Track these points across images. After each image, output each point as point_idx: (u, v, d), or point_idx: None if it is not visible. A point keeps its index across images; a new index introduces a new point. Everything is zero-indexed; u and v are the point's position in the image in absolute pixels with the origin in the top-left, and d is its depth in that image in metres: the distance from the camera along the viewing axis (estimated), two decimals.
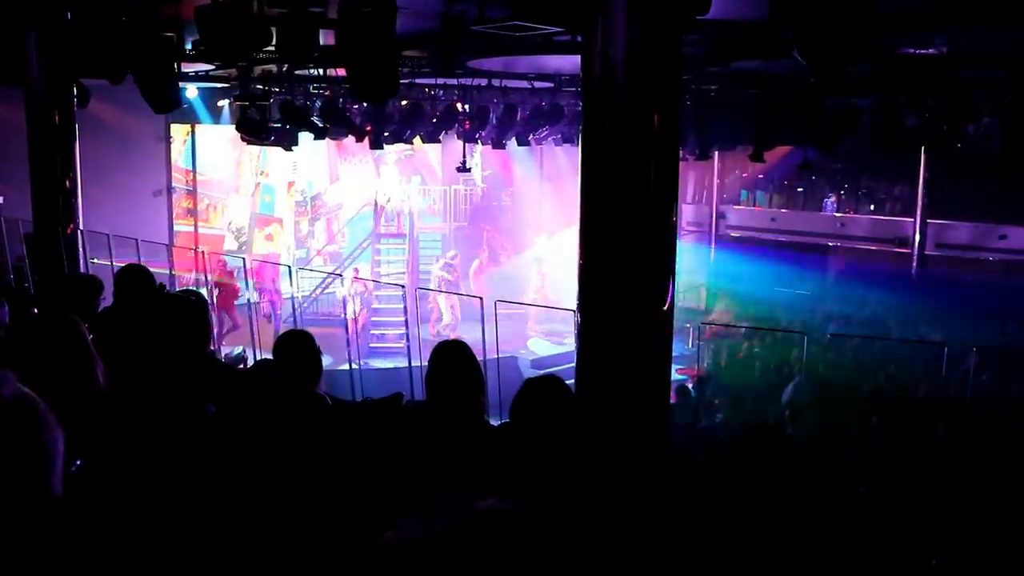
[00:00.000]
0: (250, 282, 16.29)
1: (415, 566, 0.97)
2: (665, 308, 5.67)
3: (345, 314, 15.70)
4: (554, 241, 20.37)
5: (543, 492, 2.52)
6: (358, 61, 6.43)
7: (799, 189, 21.88)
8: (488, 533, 0.99)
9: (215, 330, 9.74)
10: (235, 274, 16.09)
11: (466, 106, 14.72)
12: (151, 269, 5.46)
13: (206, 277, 15.30)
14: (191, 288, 12.60)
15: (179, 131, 17.83)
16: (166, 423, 2.27)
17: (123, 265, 5.16)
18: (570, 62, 10.66)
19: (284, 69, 12.69)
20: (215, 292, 15.66)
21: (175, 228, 17.88)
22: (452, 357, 3.66)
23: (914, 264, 19.35)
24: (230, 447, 2.26)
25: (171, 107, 9.62)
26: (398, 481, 2.97)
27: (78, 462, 2.06)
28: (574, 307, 6.12)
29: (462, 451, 3.30)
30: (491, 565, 0.96)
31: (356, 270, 18.49)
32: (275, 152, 18.04)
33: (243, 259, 16.47)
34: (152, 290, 4.83)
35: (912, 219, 19.41)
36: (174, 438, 2.22)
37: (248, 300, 15.71)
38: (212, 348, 4.49)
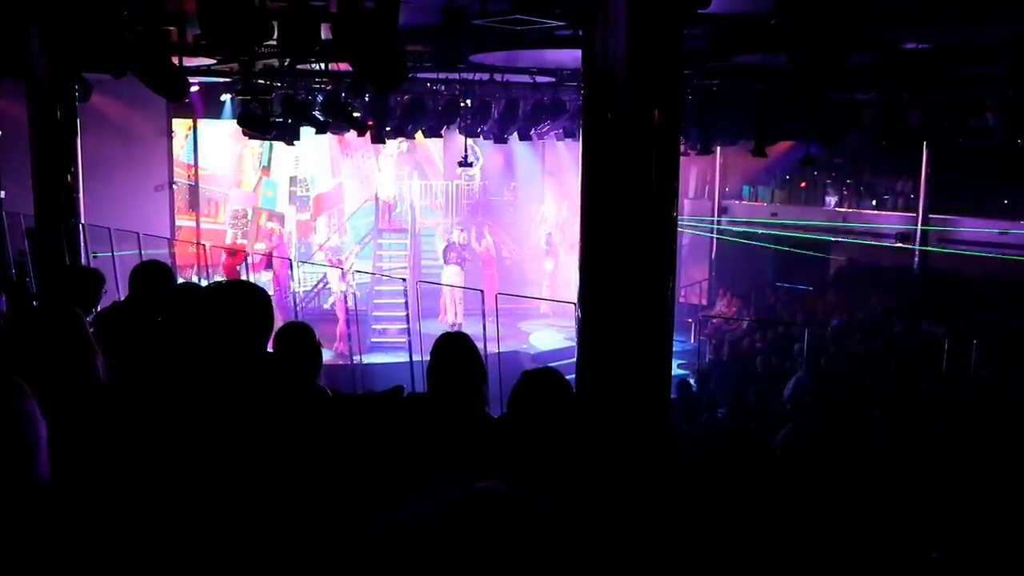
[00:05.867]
0: (252, 275, 16.31)
1: (412, 544, 0.98)
2: (666, 302, 5.67)
3: (346, 308, 15.71)
4: (561, 234, 20.45)
5: (541, 482, 2.52)
6: (361, 51, 6.42)
7: (801, 184, 21.87)
8: (486, 512, 0.99)
9: None
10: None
11: (468, 100, 14.71)
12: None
13: (207, 271, 15.32)
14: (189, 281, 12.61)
15: (181, 125, 17.82)
16: (164, 416, 2.27)
17: (143, 261, 5.13)
18: (572, 56, 10.65)
19: (286, 63, 12.68)
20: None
21: (177, 223, 17.89)
22: (453, 348, 3.67)
23: (916, 259, 19.35)
24: (230, 438, 2.26)
25: (181, 95, 9.67)
26: (398, 470, 2.98)
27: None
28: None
29: (462, 441, 3.31)
30: (489, 544, 0.97)
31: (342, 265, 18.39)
32: (277, 147, 18.04)
33: (245, 252, 16.49)
34: (170, 285, 4.80)
35: (914, 214, 19.41)
36: (172, 430, 2.23)
37: None
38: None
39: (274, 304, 2.62)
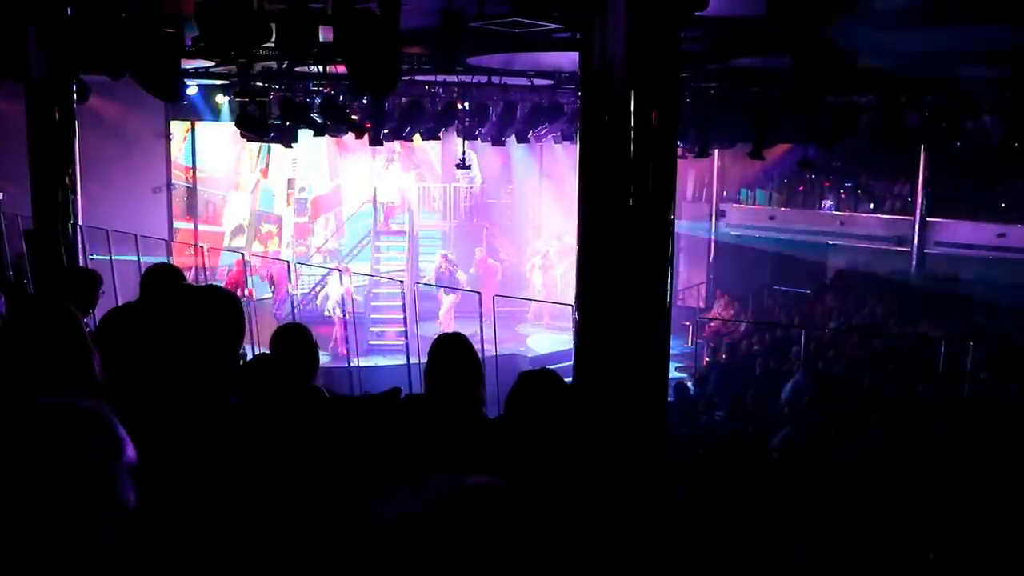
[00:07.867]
0: (251, 279, 16.31)
1: (404, 540, 0.98)
2: (664, 306, 5.67)
3: (344, 311, 15.70)
4: (558, 237, 20.41)
5: (538, 483, 2.53)
6: (359, 54, 6.41)
7: (799, 187, 21.89)
8: (475, 507, 1.00)
9: None
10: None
11: (466, 103, 14.71)
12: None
13: (205, 274, 15.31)
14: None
15: (179, 128, 17.81)
16: (160, 416, 2.27)
17: (155, 264, 5.13)
18: (569, 59, 10.66)
19: (284, 66, 12.68)
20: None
21: (175, 225, 17.86)
22: (451, 349, 3.67)
23: (913, 262, 19.38)
24: (225, 438, 2.27)
25: (176, 97, 9.65)
26: (394, 470, 2.98)
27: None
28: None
29: (459, 442, 3.31)
30: (478, 538, 0.97)
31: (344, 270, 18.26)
32: (275, 149, 18.01)
33: (242, 254, 16.49)
34: (179, 287, 4.78)
35: (911, 217, 19.44)
36: (168, 431, 2.23)
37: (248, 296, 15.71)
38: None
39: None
